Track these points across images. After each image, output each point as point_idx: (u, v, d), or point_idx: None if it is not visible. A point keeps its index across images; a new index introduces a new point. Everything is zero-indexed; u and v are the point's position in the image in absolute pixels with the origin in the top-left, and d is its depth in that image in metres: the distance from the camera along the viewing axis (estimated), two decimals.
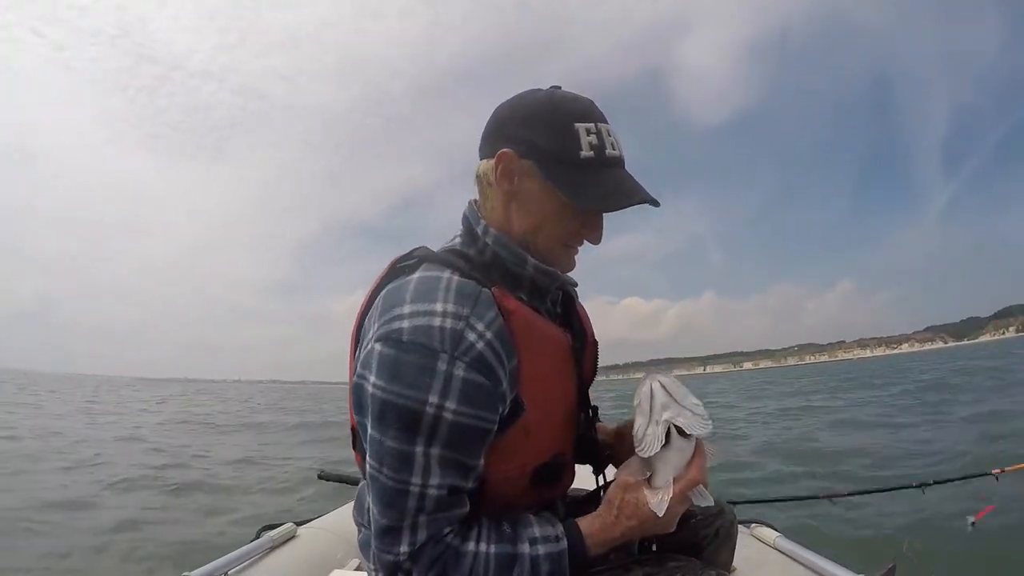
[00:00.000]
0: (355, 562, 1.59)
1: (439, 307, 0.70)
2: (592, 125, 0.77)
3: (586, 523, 0.78)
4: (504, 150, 0.78)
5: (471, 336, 0.69)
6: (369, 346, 0.71)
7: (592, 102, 0.81)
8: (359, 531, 0.94)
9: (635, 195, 0.76)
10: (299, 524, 1.78)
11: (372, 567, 0.79)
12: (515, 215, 0.81)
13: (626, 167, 0.81)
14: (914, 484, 1.58)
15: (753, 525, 1.84)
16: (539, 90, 0.82)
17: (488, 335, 0.71)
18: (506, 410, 0.74)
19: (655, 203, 0.77)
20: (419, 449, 0.67)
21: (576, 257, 0.86)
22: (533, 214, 0.80)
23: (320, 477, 2.07)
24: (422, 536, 0.70)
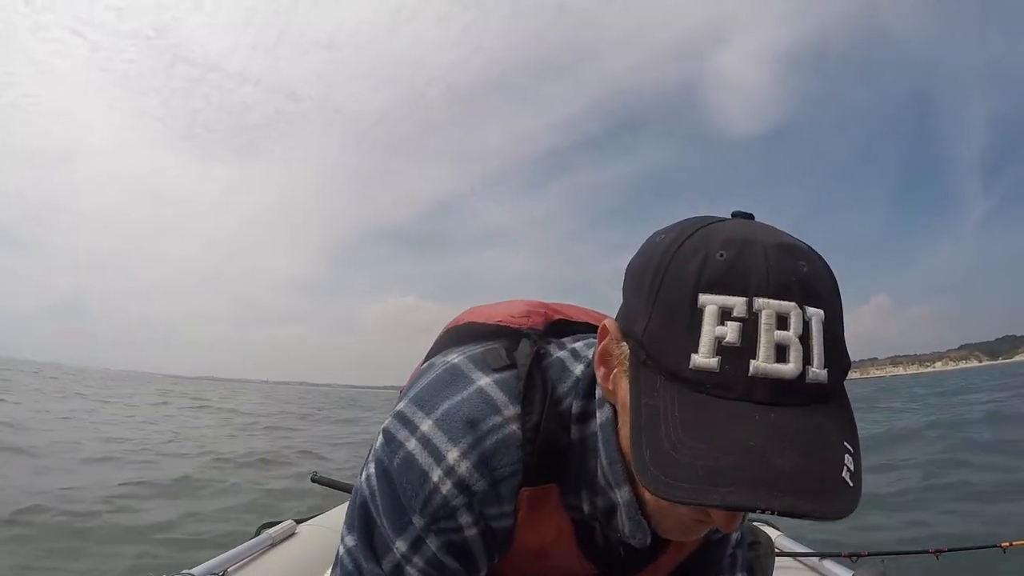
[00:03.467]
0: None
1: (452, 457, 0.53)
2: (740, 302, 0.40)
3: None
4: (608, 320, 0.50)
5: (464, 519, 0.54)
6: (386, 424, 0.58)
7: (776, 251, 0.42)
8: None
9: (754, 488, 0.37)
10: (299, 521, 1.78)
11: None
12: (621, 420, 0.50)
13: (822, 397, 0.41)
14: (930, 550, 1.63)
15: (754, 524, 1.85)
16: (706, 220, 0.46)
17: (477, 529, 0.55)
18: None
19: (817, 516, 0.38)
20: None
21: (701, 533, 0.54)
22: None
23: (313, 480, 2.07)
24: None
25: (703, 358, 0.40)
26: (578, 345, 0.61)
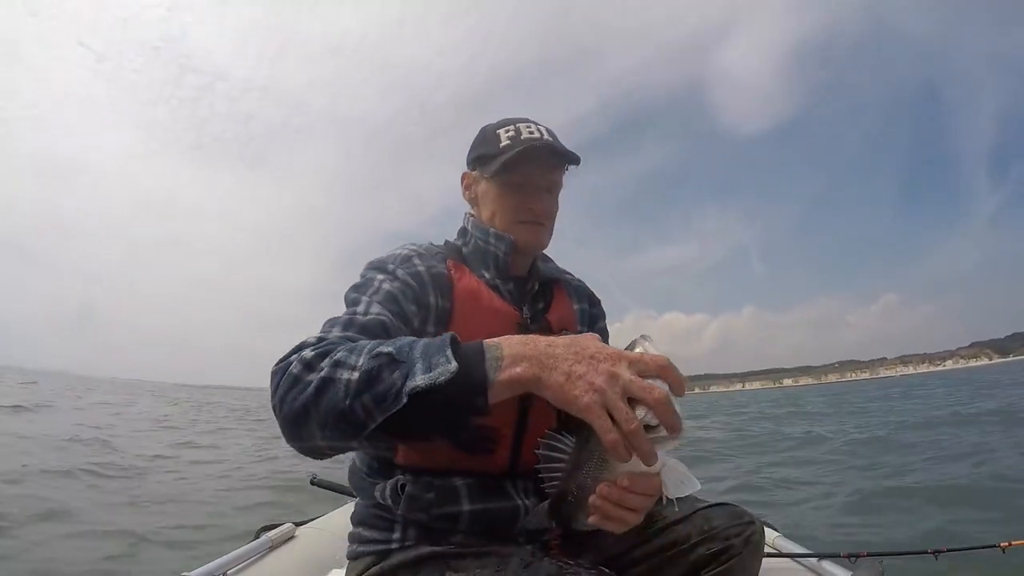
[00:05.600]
0: None
1: (404, 245, 1.00)
2: (511, 127, 1.01)
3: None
4: (463, 172, 1.09)
5: (416, 261, 0.95)
6: None
7: (522, 118, 1.03)
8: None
9: (526, 144, 0.97)
10: (298, 524, 1.78)
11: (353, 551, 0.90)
12: (481, 212, 1.06)
13: (556, 144, 0.99)
14: (929, 551, 1.62)
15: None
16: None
17: (425, 268, 0.94)
18: (430, 327, 0.90)
19: (548, 148, 0.97)
20: (365, 297, 0.87)
21: (542, 235, 1.03)
22: (488, 205, 1.03)
23: (313, 483, 2.05)
24: (337, 332, 0.78)
25: (503, 143, 0.99)
26: None
